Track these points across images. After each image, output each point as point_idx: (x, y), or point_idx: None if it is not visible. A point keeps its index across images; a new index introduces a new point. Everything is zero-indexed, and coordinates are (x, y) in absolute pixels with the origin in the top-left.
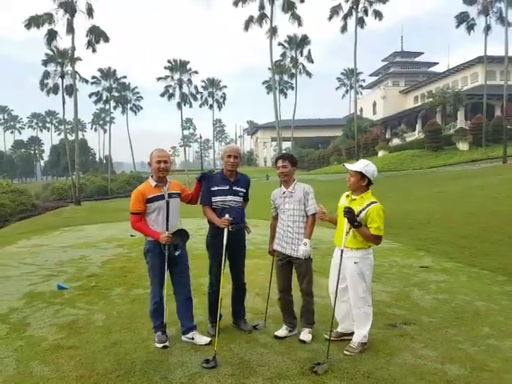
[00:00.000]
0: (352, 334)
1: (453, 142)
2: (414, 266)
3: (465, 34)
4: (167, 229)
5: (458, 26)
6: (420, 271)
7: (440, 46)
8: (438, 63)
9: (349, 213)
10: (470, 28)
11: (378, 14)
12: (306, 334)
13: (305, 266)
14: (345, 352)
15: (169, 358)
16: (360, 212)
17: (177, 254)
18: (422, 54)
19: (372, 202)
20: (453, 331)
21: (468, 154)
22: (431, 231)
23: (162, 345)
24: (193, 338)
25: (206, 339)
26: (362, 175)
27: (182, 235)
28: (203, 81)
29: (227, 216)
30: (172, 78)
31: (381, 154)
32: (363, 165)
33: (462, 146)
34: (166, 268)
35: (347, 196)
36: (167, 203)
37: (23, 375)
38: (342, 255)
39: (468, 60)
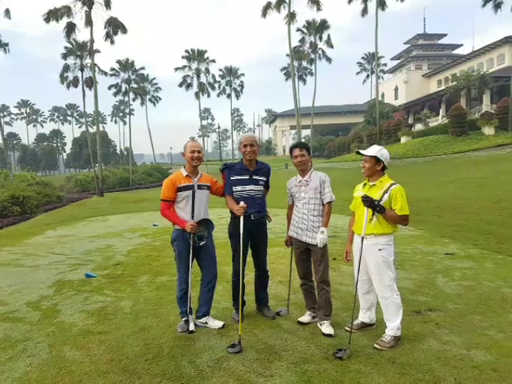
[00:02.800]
0: (374, 325)
1: (478, 126)
2: (438, 253)
3: (491, 14)
4: (192, 218)
5: (484, 5)
6: (444, 258)
7: (464, 27)
8: (462, 45)
9: (367, 201)
10: (497, 7)
11: None
12: (326, 327)
13: (320, 252)
14: (375, 346)
15: (195, 342)
16: (383, 195)
17: (201, 244)
18: (445, 35)
19: (392, 184)
20: (478, 318)
21: (494, 138)
22: (456, 218)
23: (183, 333)
24: (206, 323)
25: (218, 323)
26: (376, 159)
27: (206, 225)
28: (221, 69)
29: (242, 203)
30: (190, 67)
31: (403, 139)
32: (377, 149)
33: (488, 130)
34: (191, 256)
35: (364, 185)
36: (193, 193)
37: (56, 359)
38: (362, 243)
39: (494, 41)
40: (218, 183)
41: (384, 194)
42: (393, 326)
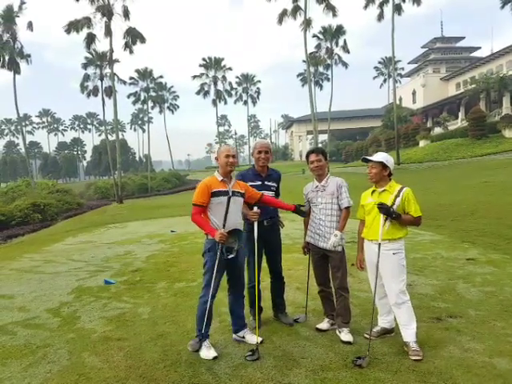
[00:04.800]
0: (393, 331)
1: (498, 129)
2: (459, 259)
3: (510, 16)
4: (224, 227)
5: (502, 7)
6: (465, 263)
7: (482, 29)
8: (480, 48)
9: (383, 208)
10: None
11: (415, 0)
12: (345, 335)
13: (338, 259)
14: (414, 358)
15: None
16: (395, 200)
17: (229, 257)
18: (463, 38)
19: (402, 188)
20: (500, 324)
21: None
22: (476, 222)
23: (212, 356)
24: (243, 337)
25: (256, 338)
26: (383, 166)
27: (238, 236)
28: (237, 77)
29: (255, 209)
30: (207, 75)
31: (422, 143)
32: (383, 155)
33: (509, 133)
34: (223, 269)
35: (373, 192)
36: (228, 200)
37: (76, 365)
38: (379, 248)
39: None
40: (250, 190)
41: (396, 198)
42: (410, 332)
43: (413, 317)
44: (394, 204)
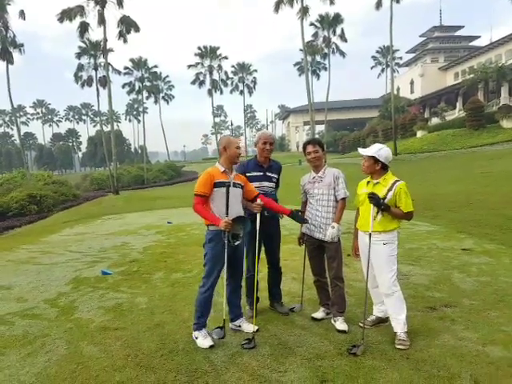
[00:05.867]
0: (388, 320)
1: (496, 119)
2: (455, 249)
3: (509, 5)
4: (227, 215)
5: None
6: (460, 254)
7: (482, 18)
8: (479, 37)
9: (373, 198)
10: None
11: None
12: (341, 324)
13: (334, 249)
14: (398, 347)
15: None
16: (387, 193)
17: (235, 244)
18: (462, 27)
19: (396, 181)
20: (495, 314)
21: None
22: (473, 213)
23: (208, 344)
24: (240, 326)
25: (252, 327)
26: (375, 159)
27: (243, 223)
28: (233, 66)
29: (259, 201)
30: (202, 64)
31: (419, 134)
32: (376, 149)
33: (506, 123)
34: (226, 259)
35: (368, 182)
36: (227, 189)
37: (74, 354)
38: (370, 239)
39: None
40: (249, 184)
41: (388, 191)
42: (399, 321)
43: (401, 308)
44: (385, 198)
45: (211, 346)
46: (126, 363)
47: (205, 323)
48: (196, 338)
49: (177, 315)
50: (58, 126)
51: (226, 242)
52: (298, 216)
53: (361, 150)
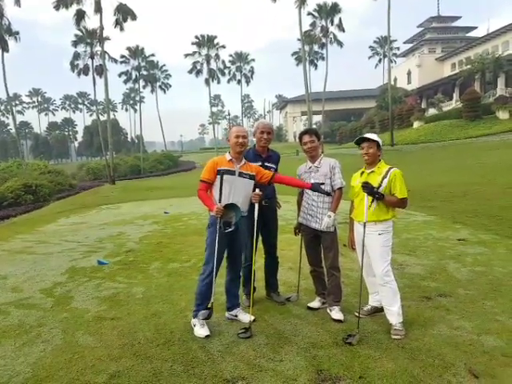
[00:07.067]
0: (383, 308)
1: (492, 110)
2: (451, 239)
3: None
4: (220, 201)
5: None
6: (456, 244)
7: (479, 9)
8: (476, 27)
9: (366, 187)
10: None
11: None
12: (336, 313)
13: (330, 239)
14: (394, 337)
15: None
16: (382, 180)
17: (226, 231)
18: (459, 18)
19: (390, 168)
20: (490, 303)
21: (508, 123)
22: (468, 203)
23: (205, 334)
24: (236, 316)
25: (248, 317)
26: (378, 145)
27: (234, 210)
28: (231, 55)
29: (257, 190)
30: (199, 53)
31: (416, 124)
32: (376, 136)
33: (502, 114)
34: (224, 245)
35: (362, 173)
36: (221, 177)
37: (69, 344)
38: (364, 229)
39: (510, 23)
40: (263, 171)
41: (383, 179)
42: (394, 312)
43: (394, 299)
44: (380, 185)
45: (207, 336)
46: (122, 353)
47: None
48: (194, 325)
49: (173, 305)
50: (54, 114)
51: (218, 228)
52: (320, 188)
53: (368, 135)
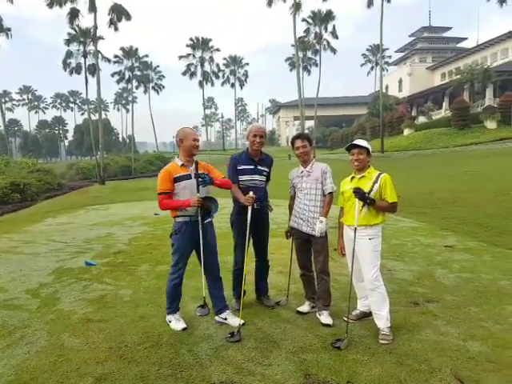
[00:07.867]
0: (371, 314)
1: (481, 120)
2: (438, 246)
3: (496, 8)
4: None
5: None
6: (444, 250)
7: (469, 20)
8: (466, 38)
9: (358, 193)
10: (502, 1)
11: None
12: (326, 318)
13: (320, 243)
14: (382, 342)
15: (194, 331)
16: (373, 185)
17: (210, 219)
18: (450, 29)
19: (380, 173)
20: (475, 309)
21: (496, 132)
22: (457, 211)
23: (181, 327)
24: (226, 319)
25: (238, 321)
26: (367, 152)
27: (212, 201)
28: (225, 58)
29: (251, 193)
30: (194, 56)
31: (406, 132)
32: (366, 143)
33: (490, 124)
34: (193, 249)
35: (352, 178)
36: (188, 180)
37: (55, 346)
38: (355, 233)
39: (498, 35)
40: (215, 172)
41: (374, 184)
42: (383, 317)
43: (384, 304)
44: (371, 190)
45: (184, 329)
46: (108, 356)
47: (177, 307)
48: (169, 321)
49: (161, 308)
50: (44, 113)
51: (199, 218)
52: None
53: (358, 141)
